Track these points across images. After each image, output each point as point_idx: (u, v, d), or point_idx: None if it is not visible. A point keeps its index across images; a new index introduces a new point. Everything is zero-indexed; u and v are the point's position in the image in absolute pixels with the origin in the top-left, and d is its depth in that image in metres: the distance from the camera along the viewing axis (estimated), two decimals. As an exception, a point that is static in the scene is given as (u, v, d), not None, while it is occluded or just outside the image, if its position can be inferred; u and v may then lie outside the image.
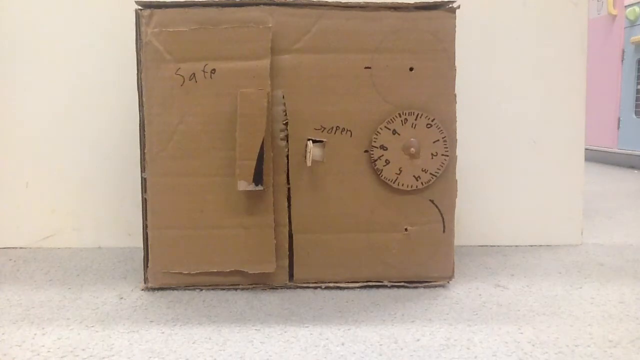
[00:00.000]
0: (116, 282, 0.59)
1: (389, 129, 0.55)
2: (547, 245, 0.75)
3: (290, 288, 0.57)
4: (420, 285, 0.57)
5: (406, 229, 0.56)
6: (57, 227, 0.75)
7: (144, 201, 0.55)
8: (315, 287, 0.57)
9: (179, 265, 0.55)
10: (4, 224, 0.74)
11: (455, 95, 0.55)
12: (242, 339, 0.45)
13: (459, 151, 0.56)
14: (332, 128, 0.55)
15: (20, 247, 0.74)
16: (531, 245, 0.75)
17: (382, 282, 0.57)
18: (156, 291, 0.56)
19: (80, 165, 0.74)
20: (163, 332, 0.46)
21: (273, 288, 0.57)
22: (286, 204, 0.55)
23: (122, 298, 0.54)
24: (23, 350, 0.42)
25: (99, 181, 0.74)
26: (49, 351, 0.42)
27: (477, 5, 0.72)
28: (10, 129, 0.74)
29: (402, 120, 0.55)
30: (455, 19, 0.54)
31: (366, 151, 0.55)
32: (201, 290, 0.56)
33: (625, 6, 1.82)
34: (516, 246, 0.75)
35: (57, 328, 0.47)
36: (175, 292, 0.56)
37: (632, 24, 1.81)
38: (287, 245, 0.56)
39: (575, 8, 0.73)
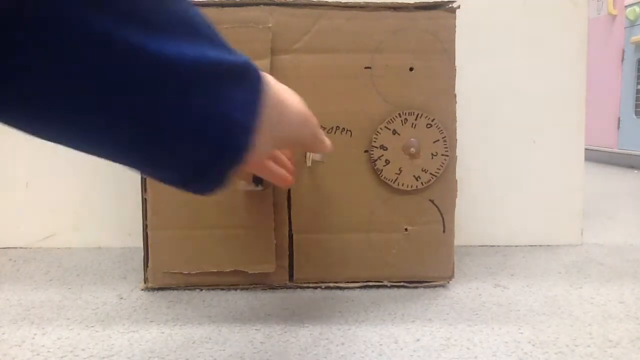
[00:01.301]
0: (116, 282, 0.59)
1: (389, 129, 0.55)
2: (547, 245, 0.75)
3: (290, 288, 0.57)
4: (420, 285, 0.57)
5: (406, 229, 0.56)
6: (57, 227, 0.75)
7: (144, 201, 0.55)
8: (315, 287, 0.57)
9: (179, 265, 0.55)
10: (4, 224, 0.74)
11: (455, 95, 0.55)
12: (242, 339, 0.45)
13: (458, 151, 0.56)
14: (332, 128, 0.55)
15: (20, 247, 0.74)
16: (531, 245, 0.75)
17: (382, 282, 0.57)
18: (156, 291, 0.56)
19: (80, 165, 0.74)
20: (163, 332, 0.46)
21: (273, 288, 0.57)
22: (286, 204, 0.55)
23: (122, 298, 0.54)
24: (23, 350, 0.42)
25: (99, 181, 0.74)
26: (49, 351, 0.42)
27: (477, 5, 0.72)
28: (10, 128, 0.74)
29: (402, 120, 0.55)
30: (455, 19, 0.54)
31: (366, 151, 0.55)
32: (201, 290, 0.56)
33: (625, 6, 1.82)
34: (516, 246, 0.75)
35: (57, 328, 0.47)
36: (175, 292, 0.56)
37: (632, 24, 1.81)
38: (287, 246, 0.56)
39: (575, 8, 0.73)
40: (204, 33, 0.28)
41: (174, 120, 0.26)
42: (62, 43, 0.21)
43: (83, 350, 0.43)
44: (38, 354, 0.42)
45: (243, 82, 0.30)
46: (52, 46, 0.21)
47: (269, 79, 0.33)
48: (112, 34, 0.22)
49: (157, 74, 0.24)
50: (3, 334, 0.46)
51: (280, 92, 0.34)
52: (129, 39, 0.22)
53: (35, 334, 0.45)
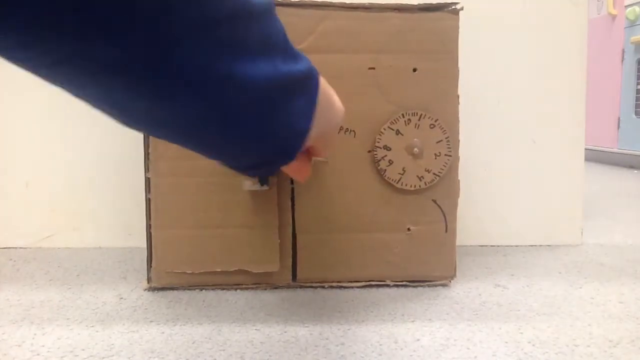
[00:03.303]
0: (116, 282, 0.59)
1: (393, 129, 0.55)
2: (547, 245, 0.75)
3: (293, 288, 0.57)
4: (422, 284, 0.57)
5: (409, 229, 0.56)
6: (57, 227, 0.74)
7: (148, 201, 0.55)
8: (318, 287, 0.57)
9: (183, 265, 0.55)
10: (4, 224, 0.74)
11: (458, 96, 0.55)
12: (242, 339, 0.45)
13: (459, 151, 0.56)
14: (335, 128, 0.55)
15: (20, 247, 0.74)
16: (531, 245, 0.75)
17: (384, 281, 0.57)
18: (156, 291, 0.56)
19: (80, 165, 0.74)
20: (163, 332, 0.46)
21: (276, 288, 0.57)
22: (290, 204, 0.55)
23: (122, 298, 0.54)
24: (23, 350, 0.42)
25: (99, 181, 0.74)
26: (49, 351, 0.42)
27: (477, 6, 0.72)
28: (10, 128, 0.74)
29: (405, 121, 0.55)
30: (458, 20, 0.54)
31: (370, 151, 0.55)
32: (201, 290, 0.56)
33: (625, 6, 1.83)
34: (516, 246, 0.75)
35: (57, 328, 0.47)
36: (175, 292, 0.56)
37: (632, 24, 1.81)
38: (290, 245, 0.56)
39: (575, 8, 0.73)
40: (277, 46, 0.31)
41: (249, 127, 0.31)
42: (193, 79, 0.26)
43: (83, 350, 0.42)
44: (38, 354, 0.42)
45: (305, 90, 0.34)
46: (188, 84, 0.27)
47: (321, 79, 0.37)
48: (213, 65, 0.27)
49: (237, 93, 0.29)
50: (3, 334, 0.45)
51: (327, 89, 0.38)
52: (224, 67, 0.27)
53: (35, 334, 0.45)
